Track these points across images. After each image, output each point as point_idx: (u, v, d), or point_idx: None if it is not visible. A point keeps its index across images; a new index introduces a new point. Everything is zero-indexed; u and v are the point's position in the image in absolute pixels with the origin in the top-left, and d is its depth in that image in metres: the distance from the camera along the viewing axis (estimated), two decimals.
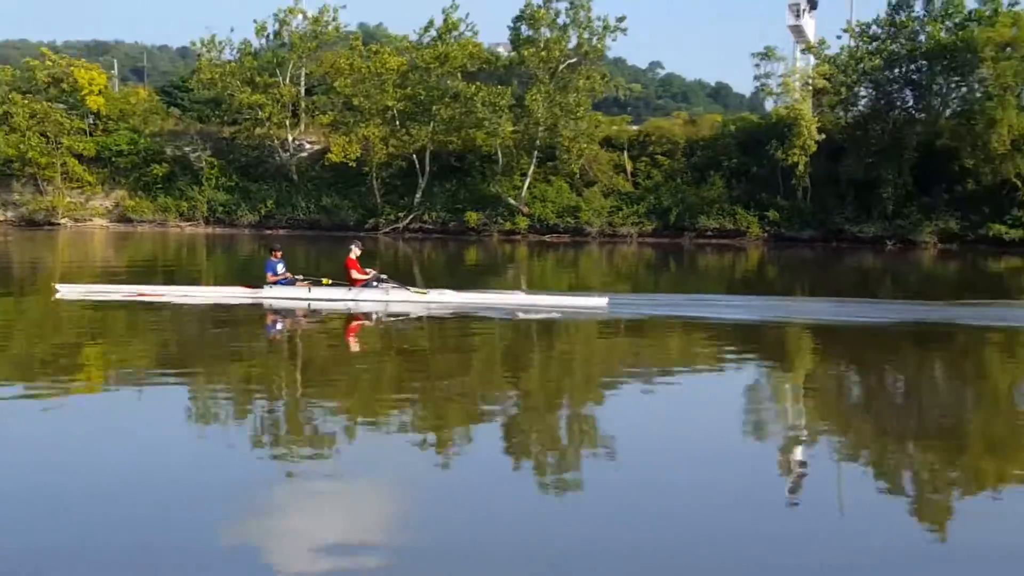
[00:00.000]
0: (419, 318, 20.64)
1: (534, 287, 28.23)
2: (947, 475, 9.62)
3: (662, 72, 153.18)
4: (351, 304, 21.53)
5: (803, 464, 9.95)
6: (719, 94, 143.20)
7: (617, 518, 7.94)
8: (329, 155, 57.57)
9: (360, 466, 9.43)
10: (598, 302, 21.53)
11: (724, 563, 7.08)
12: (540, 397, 13.12)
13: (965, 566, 7.22)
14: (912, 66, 53.35)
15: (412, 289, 22.24)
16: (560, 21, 55.36)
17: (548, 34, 55.23)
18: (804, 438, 11.04)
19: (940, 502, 8.81)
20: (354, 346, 17.91)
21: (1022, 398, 14.21)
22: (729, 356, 16.85)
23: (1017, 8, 51.35)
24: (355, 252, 22.27)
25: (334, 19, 59.95)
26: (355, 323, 20.49)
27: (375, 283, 21.82)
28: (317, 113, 60.89)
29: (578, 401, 12.98)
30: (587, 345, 18.38)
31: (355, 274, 21.88)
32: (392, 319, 20.54)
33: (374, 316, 20.90)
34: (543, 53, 54.36)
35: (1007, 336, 19.64)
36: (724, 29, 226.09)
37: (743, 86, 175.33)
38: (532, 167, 55.97)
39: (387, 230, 56.59)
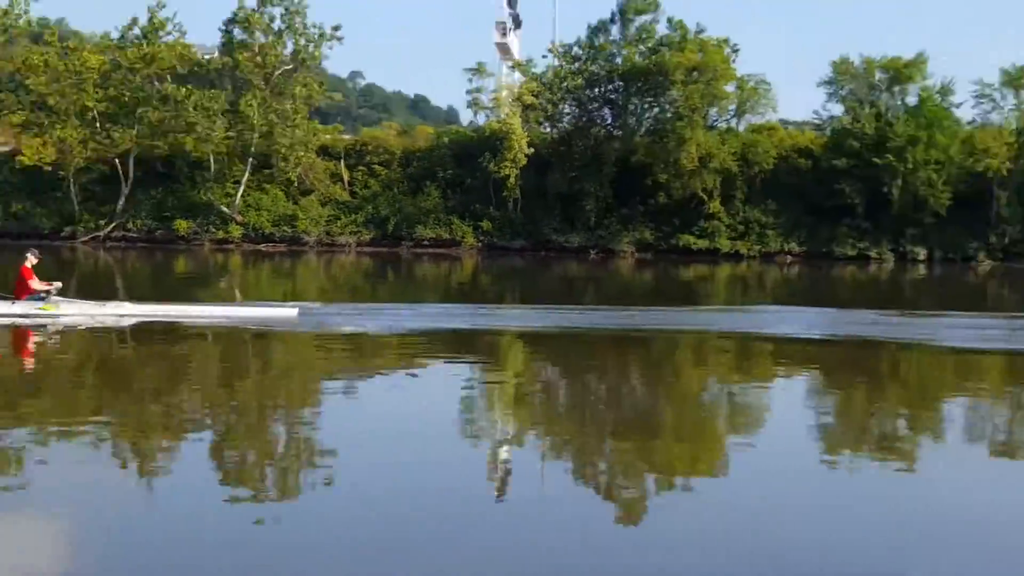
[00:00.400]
0: (97, 332, 19.32)
1: (249, 297, 27.67)
2: (642, 467, 10.35)
3: (363, 82, 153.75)
4: (17, 319, 19.52)
5: (509, 464, 10.41)
6: (418, 106, 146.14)
7: (332, 531, 7.93)
8: (20, 158, 53.48)
9: (50, 496, 8.58)
10: (288, 313, 21.28)
11: (432, 566, 7.21)
12: (243, 412, 12.72)
13: (656, 552, 7.74)
14: (610, 86, 56.99)
15: (87, 301, 20.73)
16: (275, 27, 54.57)
17: (263, 39, 54.28)
18: (512, 440, 11.58)
19: (636, 496, 9.43)
20: (28, 364, 16.33)
21: (709, 396, 15.57)
22: (440, 364, 17.27)
23: (703, 36, 56.08)
24: (31, 261, 20.43)
25: (26, 12, 55.86)
26: (25, 339, 18.61)
27: (44, 295, 20.12)
28: (5, 112, 56.34)
29: (284, 415, 12.70)
30: (292, 356, 18.05)
31: (33, 284, 20.15)
32: (65, 333, 19.09)
33: (47, 330, 19.11)
34: (258, 58, 53.33)
35: (696, 339, 21.42)
36: (425, 43, 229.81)
37: (441, 99, 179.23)
38: (246, 174, 54.68)
39: (86, 238, 53.40)
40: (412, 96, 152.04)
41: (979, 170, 54.33)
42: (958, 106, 57.82)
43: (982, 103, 57.31)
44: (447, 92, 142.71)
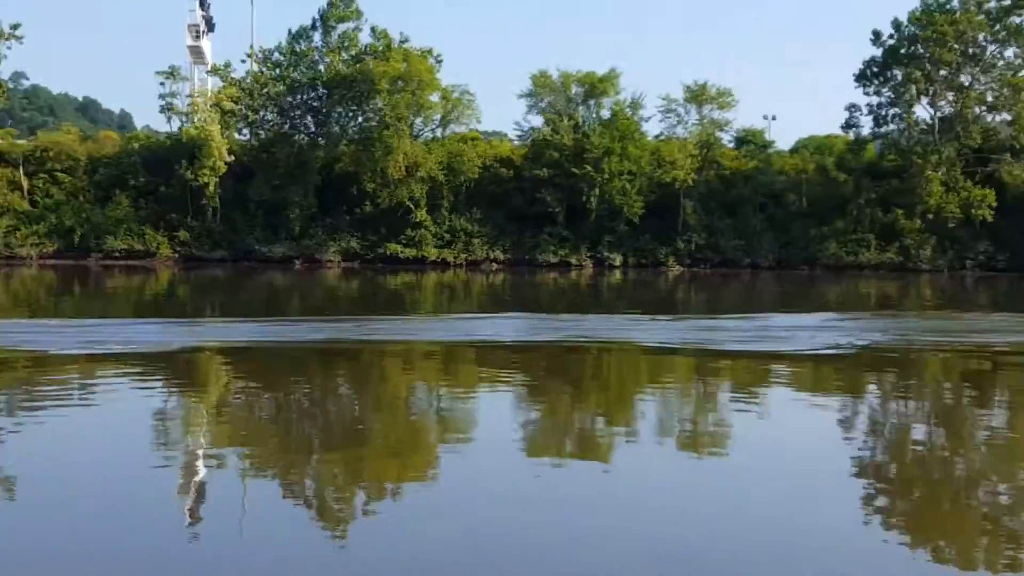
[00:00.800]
0: None
1: None
2: (351, 481, 9.99)
3: (26, 83, 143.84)
4: None
5: (207, 486, 9.73)
6: (87, 109, 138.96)
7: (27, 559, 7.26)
8: None
9: None
10: None
11: None
12: None
13: (367, 569, 7.45)
14: (313, 94, 56.13)
15: None
16: None
17: None
18: (211, 461, 10.83)
19: (344, 508, 9.09)
20: None
21: (417, 405, 15.32)
22: (131, 384, 15.99)
23: (407, 46, 56.32)
24: None
25: None
26: None
27: None
28: None
29: None
30: None
31: None
32: None
33: None
34: None
35: (405, 348, 21.18)
36: (95, 42, 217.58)
37: (113, 102, 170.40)
38: None
39: None
40: (81, 98, 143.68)
41: (667, 181, 58.08)
42: (647, 120, 61.61)
43: (668, 117, 61.30)
44: (120, 95, 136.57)
